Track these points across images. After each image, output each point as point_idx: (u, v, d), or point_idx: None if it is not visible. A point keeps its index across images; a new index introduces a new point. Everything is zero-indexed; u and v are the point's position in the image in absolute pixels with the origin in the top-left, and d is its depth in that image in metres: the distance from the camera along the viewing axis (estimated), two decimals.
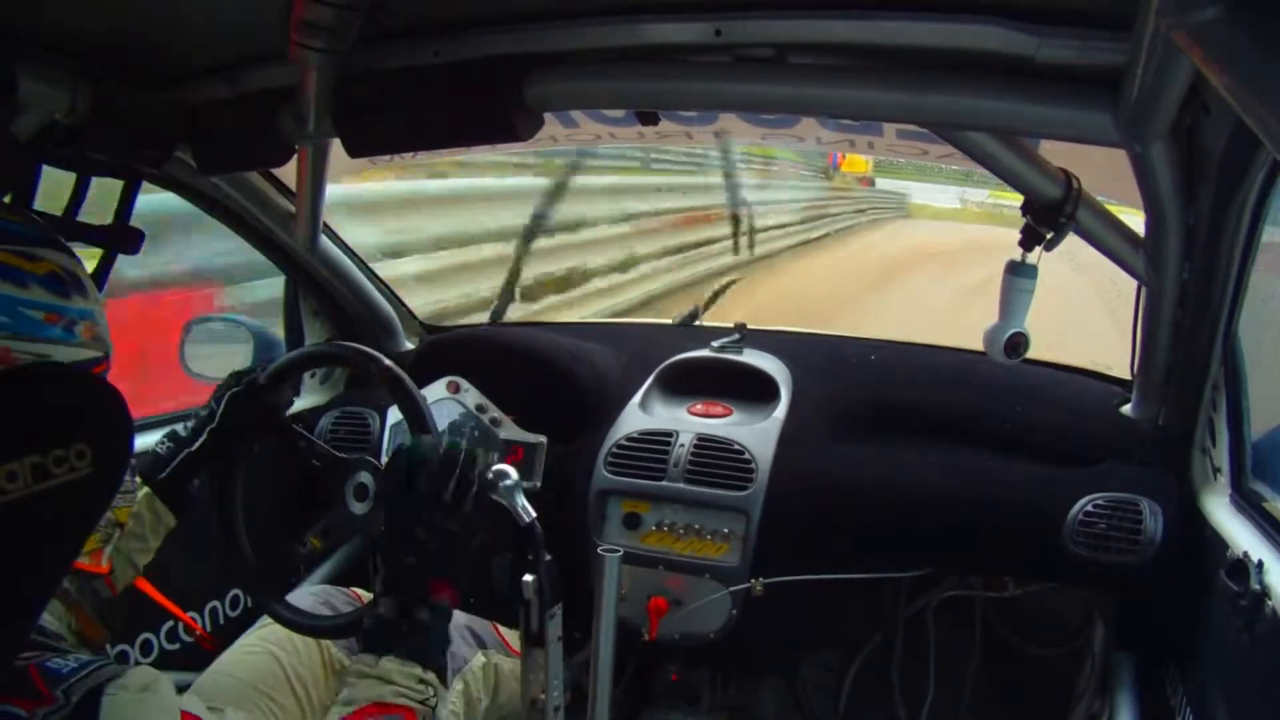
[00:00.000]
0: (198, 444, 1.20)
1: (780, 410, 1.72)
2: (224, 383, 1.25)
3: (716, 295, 2.45)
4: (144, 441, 1.56)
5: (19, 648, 0.68)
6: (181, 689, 0.88)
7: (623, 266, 6.26)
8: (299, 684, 1.25)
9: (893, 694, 1.90)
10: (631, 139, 1.63)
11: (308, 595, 1.37)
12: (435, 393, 1.74)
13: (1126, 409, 1.62)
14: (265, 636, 1.28)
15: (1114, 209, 1.25)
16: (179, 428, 1.23)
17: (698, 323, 2.21)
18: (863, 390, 1.78)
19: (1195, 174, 1.07)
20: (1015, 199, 1.19)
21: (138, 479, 1.17)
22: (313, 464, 1.23)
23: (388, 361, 1.19)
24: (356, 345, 1.22)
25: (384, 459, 1.78)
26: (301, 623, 1.20)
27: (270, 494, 1.83)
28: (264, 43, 1.11)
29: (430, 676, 0.99)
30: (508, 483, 1.35)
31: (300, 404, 1.98)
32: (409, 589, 1.02)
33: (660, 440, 1.70)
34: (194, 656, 1.30)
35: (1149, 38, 0.74)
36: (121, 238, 1.22)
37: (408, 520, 1.00)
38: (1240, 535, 1.23)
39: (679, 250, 7.11)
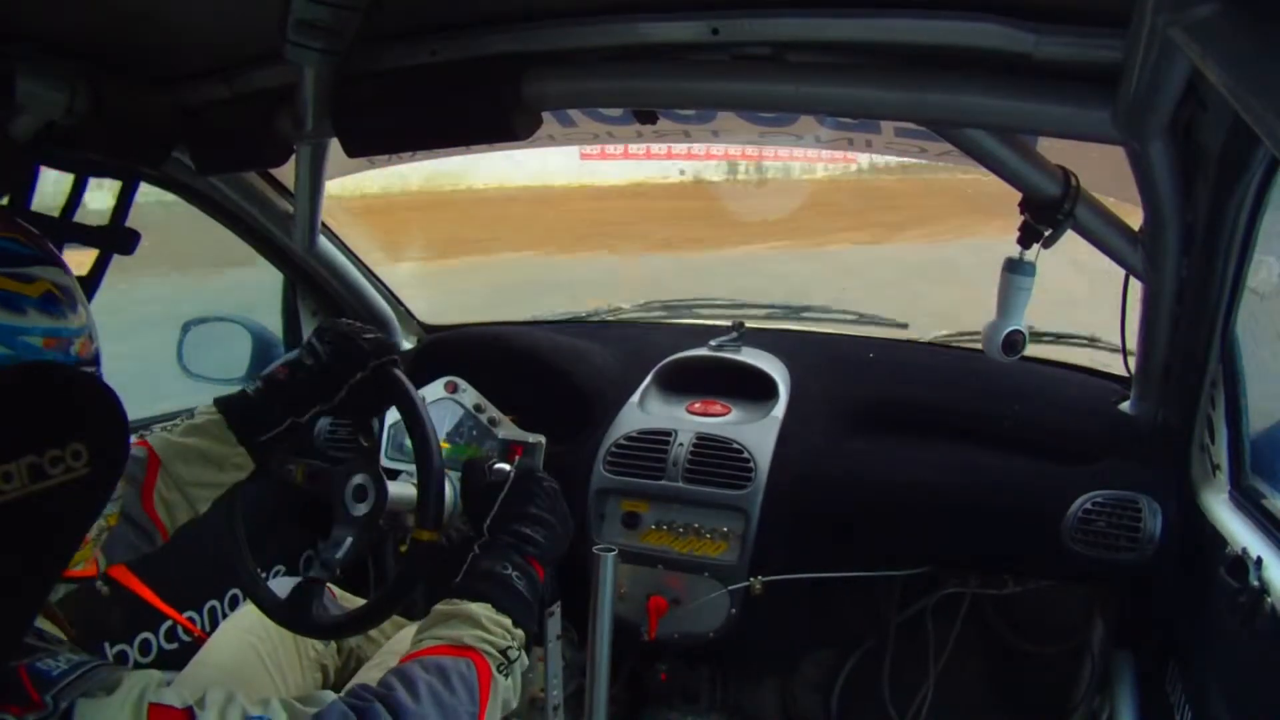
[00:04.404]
0: (306, 417, 1.14)
1: (779, 409, 1.72)
2: (349, 357, 1.14)
3: None
4: None
5: (17, 647, 0.67)
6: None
7: None
8: (276, 672, 1.26)
9: (884, 693, 1.90)
10: (629, 138, 1.63)
11: (287, 584, 1.37)
12: (433, 393, 1.74)
13: (1125, 406, 1.62)
14: (241, 626, 1.29)
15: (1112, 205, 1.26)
16: (280, 374, 1.14)
17: (696, 321, 2.21)
18: (861, 388, 1.78)
19: (1193, 171, 1.07)
20: None
21: (231, 433, 1.11)
22: (307, 484, 1.20)
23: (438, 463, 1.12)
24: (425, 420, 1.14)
25: (384, 459, 1.78)
26: (280, 616, 1.19)
27: (275, 522, 1.86)
28: (262, 43, 1.11)
29: (519, 633, 0.98)
30: None
31: None
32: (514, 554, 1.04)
33: (659, 439, 1.70)
34: (193, 656, 1.30)
35: (1146, 35, 0.74)
36: (118, 239, 1.22)
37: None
38: (1239, 532, 1.23)
39: None
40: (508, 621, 0.97)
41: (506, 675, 0.94)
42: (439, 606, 0.99)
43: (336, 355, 1.15)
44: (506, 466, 1.16)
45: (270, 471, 1.21)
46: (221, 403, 1.14)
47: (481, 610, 0.96)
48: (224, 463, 1.11)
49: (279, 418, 1.13)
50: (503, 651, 0.95)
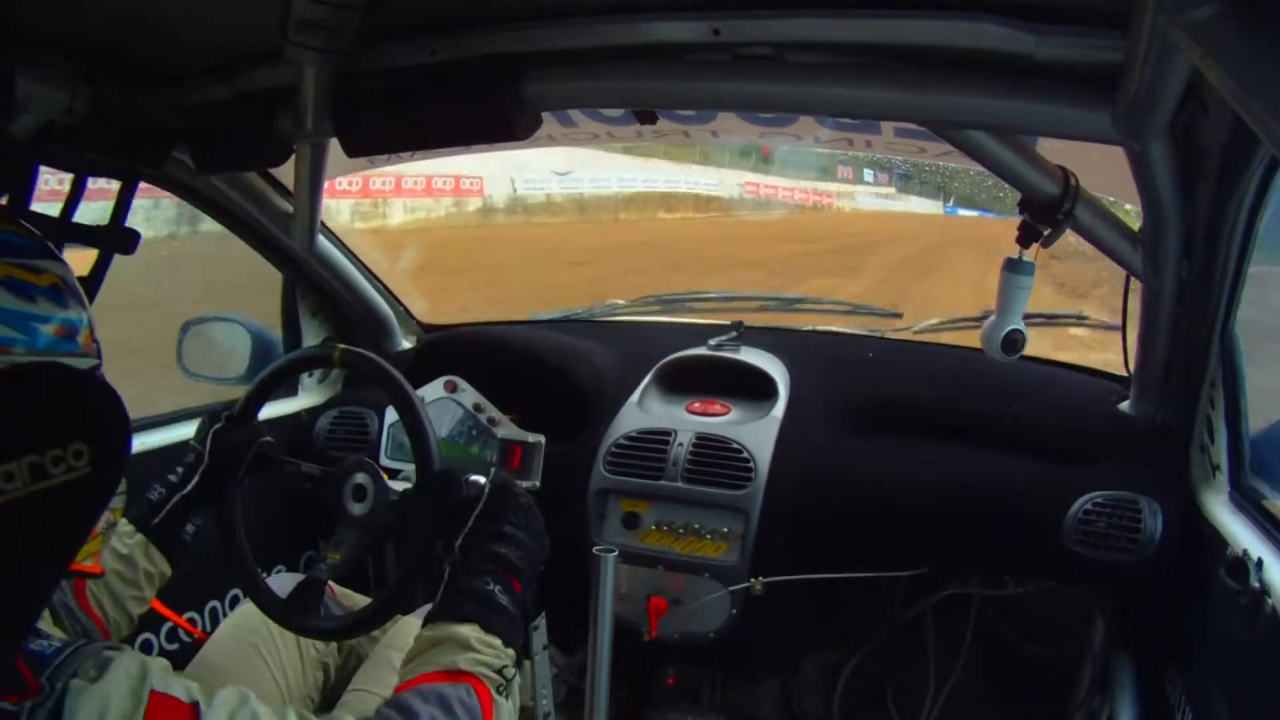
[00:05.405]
0: (190, 486, 1.20)
1: (779, 408, 1.72)
2: (203, 424, 1.25)
3: None
4: (142, 441, 1.57)
5: (19, 647, 0.67)
6: None
7: None
8: (278, 671, 1.26)
9: (885, 694, 1.90)
10: (630, 138, 1.62)
11: (288, 582, 1.37)
12: (433, 392, 1.74)
13: (1125, 406, 1.62)
14: (242, 625, 1.29)
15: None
16: (170, 475, 1.23)
17: (696, 321, 2.21)
18: (861, 388, 1.78)
19: (1193, 171, 1.07)
20: None
21: (130, 526, 1.17)
22: (304, 487, 1.21)
23: (342, 345, 1.19)
24: (312, 347, 1.20)
25: (383, 457, 1.78)
26: (282, 617, 1.19)
27: (274, 523, 1.86)
28: (262, 42, 1.11)
29: (509, 651, 0.95)
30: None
31: (298, 404, 1.98)
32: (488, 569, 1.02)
33: (659, 439, 1.70)
34: (193, 657, 1.30)
35: (1147, 35, 0.74)
36: (118, 239, 1.22)
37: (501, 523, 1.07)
38: (1239, 533, 1.23)
39: None
40: (498, 641, 0.94)
41: (506, 696, 0.92)
42: (424, 633, 0.95)
43: (202, 433, 1.24)
44: (482, 480, 1.13)
45: (271, 473, 1.23)
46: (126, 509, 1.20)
47: (470, 632, 0.93)
48: (130, 558, 1.16)
49: (166, 500, 1.20)
50: (499, 671, 0.92)
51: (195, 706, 0.70)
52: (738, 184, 23.34)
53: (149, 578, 1.17)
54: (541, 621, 1.23)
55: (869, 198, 27.77)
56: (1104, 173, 1.13)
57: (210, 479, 1.21)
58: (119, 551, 1.16)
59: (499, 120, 1.12)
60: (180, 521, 1.20)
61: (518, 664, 0.98)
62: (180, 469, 1.22)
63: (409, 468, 1.29)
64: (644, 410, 1.78)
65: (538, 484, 1.71)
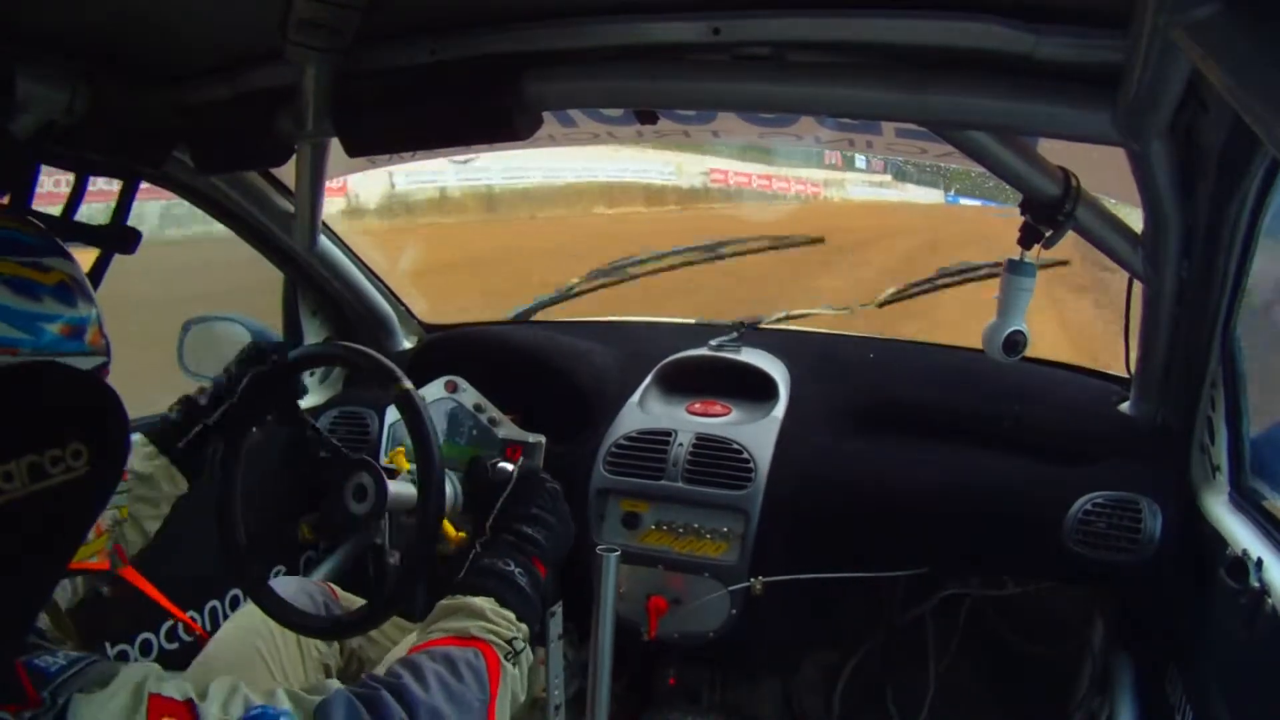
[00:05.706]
0: (214, 418, 1.21)
1: (779, 409, 1.72)
2: (246, 354, 1.25)
3: None
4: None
5: (17, 647, 0.67)
6: None
7: None
8: (279, 672, 1.27)
9: (885, 694, 1.90)
10: (630, 138, 1.62)
11: (287, 585, 1.37)
12: (433, 392, 1.74)
13: (1125, 407, 1.62)
14: (244, 625, 1.29)
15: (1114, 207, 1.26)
16: (194, 395, 1.23)
17: (696, 320, 2.21)
18: (861, 389, 1.78)
19: (1194, 172, 1.07)
20: None
21: (152, 447, 1.19)
22: (319, 455, 1.23)
23: (408, 383, 1.14)
24: (384, 360, 1.18)
25: (383, 458, 1.78)
26: (281, 615, 1.19)
27: (270, 476, 1.84)
28: (262, 42, 1.11)
29: (523, 627, 0.99)
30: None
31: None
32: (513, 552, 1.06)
33: (659, 439, 1.70)
34: (193, 656, 1.30)
35: (1147, 35, 0.74)
36: (120, 238, 1.22)
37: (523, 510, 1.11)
38: (1239, 533, 1.23)
39: None
40: (511, 615, 0.98)
41: (514, 664, 0.95)
42: (443, 602, 0.99)
43: (240, 363, 1.25)
44: (510, 466, 1.17)
45: (294, 427, 1.25)
46: (145, 429, 1.22)
47: (486, 604, 0.97)
48: (152, 479, 1.18)
49: (190, 427, 1.22)
50: (509, 641, 0.96)
51: (190, 703, 0.71)
52: (701, 172, 19.76)
53: (169, 498, 1.19)
54: (558, 609, 1.24)
55: (861, 186, 24.93)
56: (1104, 173, 1.13)
57: (235, 418, 1.22)
58: (140, 473, 1.17)
59: (499, 120, 1.12)
60: (201, 448, 1.22)
61: (530, 641, 1.00)
62: (208, 392, 1.23)
63: (409, 467, 1.29)
64: (644, 410, 1.78)
65: None
